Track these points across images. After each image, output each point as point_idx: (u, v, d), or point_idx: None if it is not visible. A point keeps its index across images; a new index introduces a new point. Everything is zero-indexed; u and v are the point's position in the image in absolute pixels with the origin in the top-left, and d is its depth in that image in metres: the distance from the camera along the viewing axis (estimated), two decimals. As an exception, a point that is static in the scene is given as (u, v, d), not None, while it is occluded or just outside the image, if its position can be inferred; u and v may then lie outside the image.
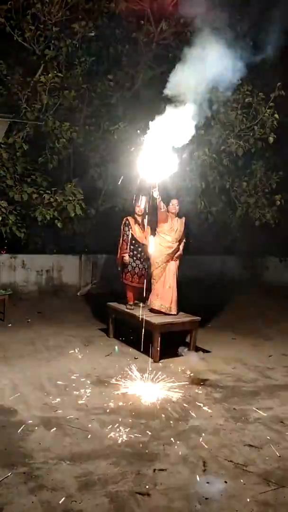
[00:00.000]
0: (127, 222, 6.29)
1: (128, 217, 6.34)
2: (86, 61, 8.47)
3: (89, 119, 8.76)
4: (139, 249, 6.27)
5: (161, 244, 5.95)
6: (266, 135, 8.37)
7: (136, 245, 6.26)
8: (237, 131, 8.54)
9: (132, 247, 6.25)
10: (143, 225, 6.29)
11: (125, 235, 6.27)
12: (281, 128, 8.49)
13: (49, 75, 7.86)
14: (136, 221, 6.28)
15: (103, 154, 8.86)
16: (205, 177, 8.83)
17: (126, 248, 6.22)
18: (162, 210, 5.90)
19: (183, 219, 6.10)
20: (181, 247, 6.03)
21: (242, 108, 8.42)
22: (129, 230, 6.24)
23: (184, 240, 6.08)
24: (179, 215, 6.09)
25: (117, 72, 8.92)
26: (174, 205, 6.03)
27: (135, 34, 8.67)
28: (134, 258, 6.27)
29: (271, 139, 8.37)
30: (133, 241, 6.25)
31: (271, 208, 9.35)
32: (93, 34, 8.41)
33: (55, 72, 7.95)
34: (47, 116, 8.06)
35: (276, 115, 8.24)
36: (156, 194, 5.75)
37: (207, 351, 5.99)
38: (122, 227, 6.33)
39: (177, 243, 5.98)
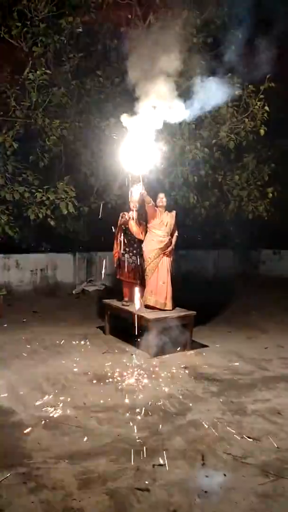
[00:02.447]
0: (122, 218, 6.26)
1: (124, 213, 6.31)
2: (75, 57, 8.42)
3: (79, 116, 8.70)
4: (135, 245, 6.24)
5: (153, 239, 5.94)
6: (257, 127, 8.36)
7: (132, 241, 6.23)
8: (228, 124, 8.52)
9: (128, 243, 6.23)
10: (139, 221, 6.27)
11: (121, 231, 6.24)
12: (271, 120, 8.49)
13: (38, 72, 7.78)
14: (132, 217, 6.25)
15: (95, 150, 8.82)
16: (197, 171, 8.82)
17: (122, 244, 6.20)
18: (150, 204, 5.88)
19: (173, 212, 6.08)
20: (173, 241, 6.01)
21: (233, 101, 8.39)
22: (125, 226, 6.21)
23: (176, 234, 6.07)
24: (167, 209, 6.08)
25: (106, 67, 8.86)
26: (161, 199, 6.01)
27: (123, 28, 8.61)
28: (130, 254, 6.24)
29: (262, 132, 8.36)
30: (129, 237, 6.23)
31: (264, 201, 9.37)
32: (80, 29, 8.34)
33: (44, 69, 7.87)
34: (36, 113, 7.99)
35: (267, 107, 8.21)
36: (140, 188, 5.72)
37: (204, 345, 6.00)
38: (118, 223, 6.29)
39: (169, 237, 5.96)
